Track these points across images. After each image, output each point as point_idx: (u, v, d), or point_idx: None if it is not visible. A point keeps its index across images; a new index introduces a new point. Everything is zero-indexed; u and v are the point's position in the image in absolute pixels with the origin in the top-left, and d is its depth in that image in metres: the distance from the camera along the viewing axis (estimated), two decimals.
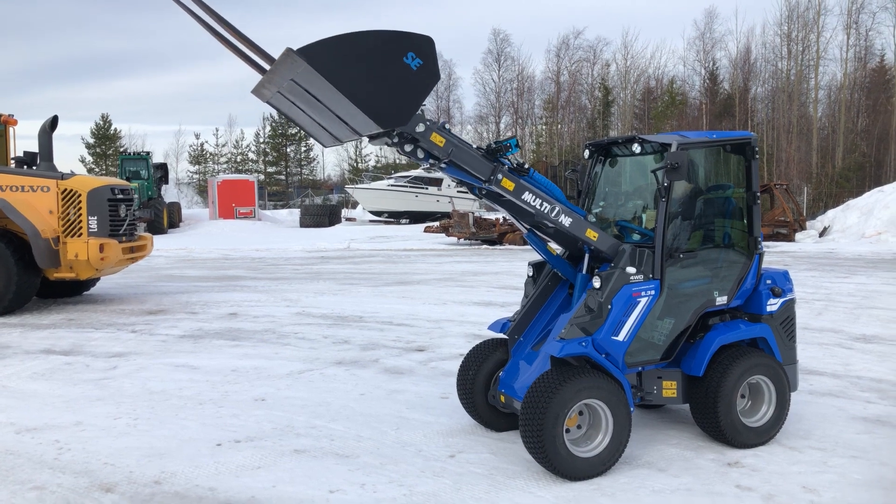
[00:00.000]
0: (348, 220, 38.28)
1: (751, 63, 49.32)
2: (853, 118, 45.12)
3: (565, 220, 4.32)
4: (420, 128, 3.91)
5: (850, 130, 44.11)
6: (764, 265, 4.94)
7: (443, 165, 4.12)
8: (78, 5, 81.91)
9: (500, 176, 4.16)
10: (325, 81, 3.49)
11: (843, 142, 42.69)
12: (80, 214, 10.07)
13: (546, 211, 4.28)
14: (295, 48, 3.46)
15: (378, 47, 3.59)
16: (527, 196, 4.25)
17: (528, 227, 4.64)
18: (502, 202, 4.43)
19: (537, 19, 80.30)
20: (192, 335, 8.45)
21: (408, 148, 4.00)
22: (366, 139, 4.19)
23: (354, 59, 3.53)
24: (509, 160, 4.32)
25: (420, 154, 4.05)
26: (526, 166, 4.38)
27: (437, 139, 3.98)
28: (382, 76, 3.60)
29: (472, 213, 25.76)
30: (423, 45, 3.68)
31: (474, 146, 4.19)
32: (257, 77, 4.01)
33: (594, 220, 4.91)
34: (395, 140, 3.95)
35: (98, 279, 11.84)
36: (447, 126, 4.06)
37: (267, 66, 3.89)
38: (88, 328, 8.96)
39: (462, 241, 23.91)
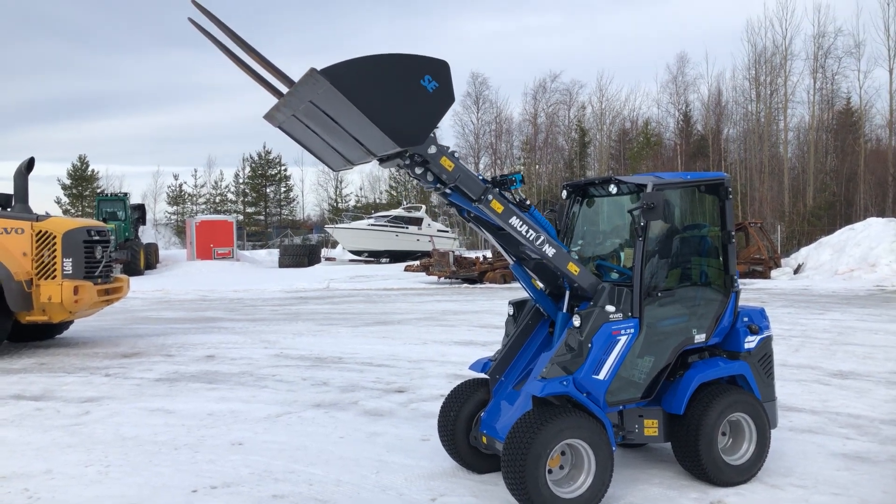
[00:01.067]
0: (328, 259, 38.15)
1: (722, 105, 50.76)
2: (822, 158, 46.37)
3: (549, 251, 4.35)
4: (432, 150, 4.00)
5: (820, 170, 45.29)
6: (741, 302, 5.00)
7: (448, 191, 4.19)
8: (55, 46, 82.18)
9: (490, 197, 4.21)
10: (346, 101, 3.59)
11: (814, 181, 43.78)
12: (55, 256, 9.93)
13: (531, 238, 4.31)
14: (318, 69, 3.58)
15: (396, 69, 3.74)
16: (514, 221, 4.28)
17: (515, 258, 4.68)
18: (490, 227, 4.47)
19: (514, 63, 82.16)
20: (168, 378, 8.29)
21: (418, 171, 4.09)
22: (376, 161, 4.29)
23: (374, 79, 3.66)
24: (513, 195, 4.39)
25: (429, 177, 4.14)
26: (527, 203, 4.44)
27: (447, 163, 4.07)
28: (400, 97, 3.74)
29: (453, 251, 25.85)
30: (439, 69, 3.83)
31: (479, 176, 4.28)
32: (268, 103, 4.10)
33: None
34: (407, 162, 4.04)
35: (72, 322, 11.62)
36: (456, 154, 4.14)
37: (284, 89, 4.01)
38: (60, 372, 8.76)
39: (442, 279, 23.91)
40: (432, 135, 3.98)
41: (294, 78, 3.85)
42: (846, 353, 9.40)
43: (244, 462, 5.17)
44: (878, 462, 5.08)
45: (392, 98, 3.71)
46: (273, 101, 4.17)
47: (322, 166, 66.63)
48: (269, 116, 4.31)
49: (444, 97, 3.86)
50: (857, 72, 45.04)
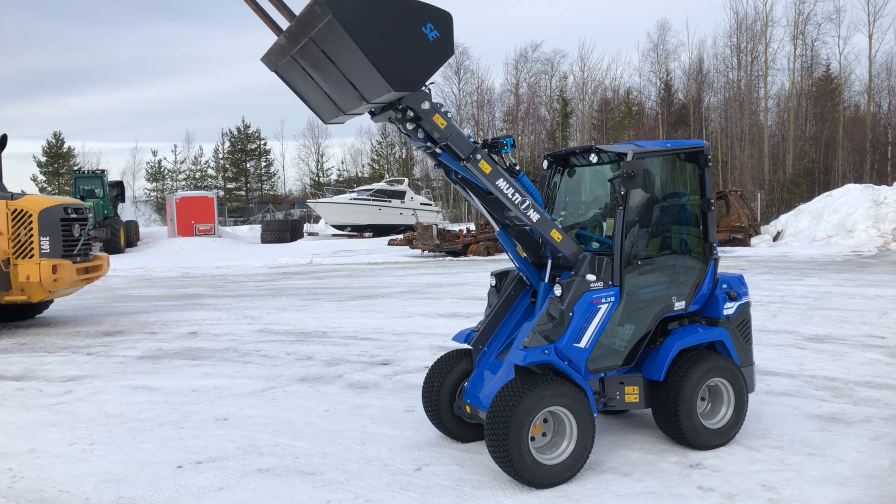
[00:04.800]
0: (311, 234, 37.96)
1: (703, 73, 50.73)
2: (802, 126, 46.67)
3: (533, 215, 4.36)
4: (425, 105, 3.98)
5: (800, 138, 45.61)
6: (720, 270, 5.06)
7: (438, 150, 4.17)
8: (28, 19, 79.98)
9: (478, 156, 4.20)
10: (346, 36, 3.57)
11: (793, 149, 44.10)
12: (32, 235, 9.78)
13: (517, 202, 4.31)
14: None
15: (400, 12, 3.73)
16: (501, 183, 4.28)
17: (501, 224, 4.68)
18: (477, 190, 4.46)
19: (495, 33, 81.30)
20: (151, 356, 8.26)
21: (409, 126, 4.07)
22: (367, 116, 4.26)
23: (376, 19, 3.65)
24: (502, 158, 4.38)
25: (420, 135, 4.12)
26: (517, 168, 4.43)
27: (439, 120, 4.05)
28: (400, 40, 3.72)
29: (436, 224, 25.81)
30: (442, 19, 3.82)
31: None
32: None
33: None
34: (399, 116, 4.02)
35: (51, 301, 11.50)
36: (449, 114, 4.12)
37: (285, 26, 3.99)
38: (41, 352, 8.69)
39: (426, 253, 23.91)
40: (427, 90, 3.96)
41: (297, 13, 3.84)
42: (823, 318, 9.57)
43: (229, 437, 5.19)
44: (853, 423, 5.20)
45: (392, 40, 3.69)
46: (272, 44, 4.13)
47: (303, 140, 65.87)
48: (266, 59, 4.31)
49: (444, 48, 3.85)
50: (836, 38, 45.43)
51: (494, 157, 4.36)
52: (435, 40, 3.80)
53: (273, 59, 4.30)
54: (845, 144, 43.43)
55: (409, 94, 3.91)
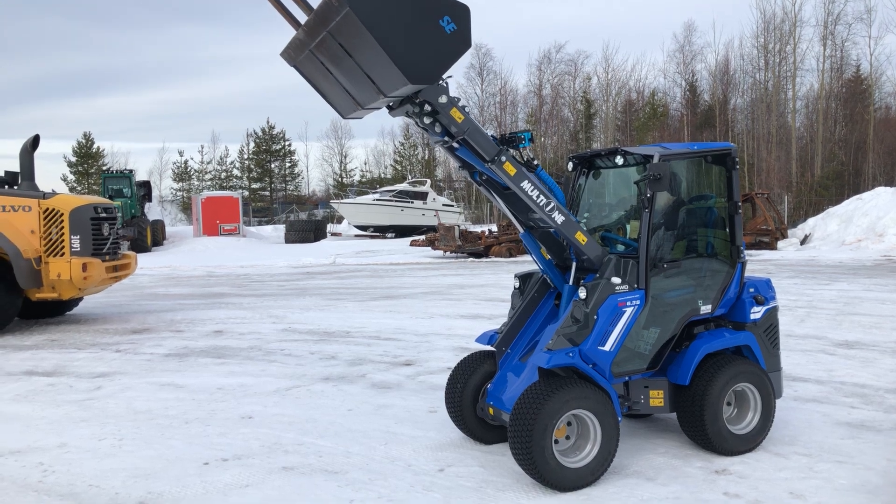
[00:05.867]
0: (334, 234, 38.20)
1: (730, 74, 50.13)
2: (831, 127, 45.89)
3: (558, 217, 4.34)
4: (443, 99, 3.98)
5: (828, 140, 44.85)
6: (747, 273, 5.00)
7: (455, 144, 4.17)
8: (59, 22, 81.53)
9: (503, 158, 4.20)
10: (363, 28, 3.58)
11: (822, 151, 43.37)
12: (63, 234, 9.98)
13: (542, 204, 4.29)
14: None
15: (417, 5, 3.73)
16: (525, 185, 4.27)
17: (525, 226, 4.68)
18: (500, 191, 4.45)
19: (519, 33, 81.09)
20: (178, 354, 8.37)
21: (427, 120, 4.07)
22: (385, 111, 4.27)
23: (393, 11, 3.66)
24: (520, 153, 4.37)
25: (437, 129, 4.12)
26: (535, 162, 4.42)
27: (457, 115, 4.05)
28: (417, 33, 3.72)
29: (458, 226, 25.83)
30: (460, 12, 3.82)
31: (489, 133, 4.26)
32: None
33: None
34: (417, 110, 4.01)
35: (81, 299, 11.72)
36: (466, 108, 4.12)
37: (304, 19, 4.04)
38: (71, 348, 8.86)
39: (448, 254, 23.93)
40: (445, 84, 3.95)
41: (315, 6, 3.88)
42: (852, 323, 9.41)
43: (254, 435, 5.24)
44: (883, 430, 5.11)
45: (409, 33, 3.69)
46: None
47: (327, 140, 66.27)
48: (285, 53, 4.34)
49: (461, 41, 3.84)
50: (867, 38, 44.47)
51: (512, 151, 4.34)
52: (452, 33, 3.79)
53: (292, 54, 4.33)
54: (875, 147, 42.57)
55: (427, 88, 3.90)
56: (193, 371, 7.45)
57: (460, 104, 4.07)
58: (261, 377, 7.06)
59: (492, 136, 4.26)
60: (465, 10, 3.83)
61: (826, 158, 43.24)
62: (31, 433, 5.41)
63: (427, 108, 4.00)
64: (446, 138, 4.16)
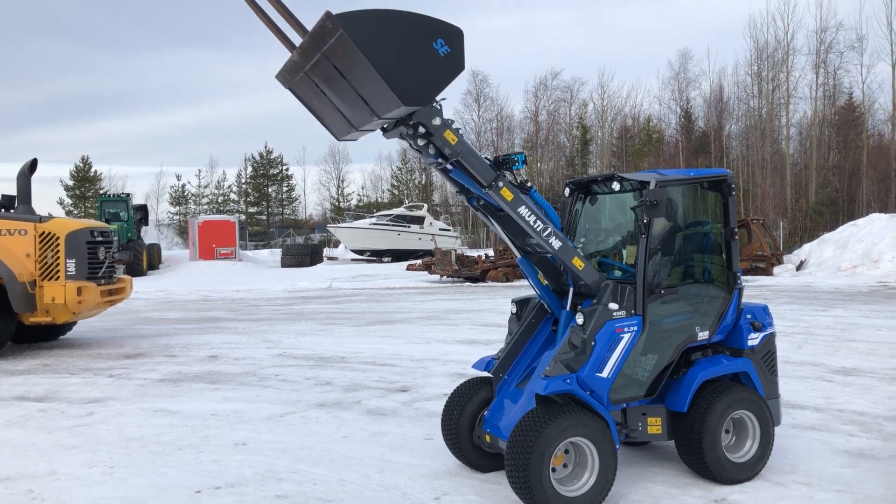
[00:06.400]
0: (330, 259, 38.18)
1: (724, 101, 50.63)
2: (825, 154, 46.25)
3: (555, 243, 4.33)
4: (436, 121, 3.99)
5: (822, 166, 45.17)
6: (744, 299, 4.99)
7: (449, 166, 4.18)
8: (57, 46, 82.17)
9: (500, 184, 4.20)
10: (357, 51, 3.60)
11: (816, 177, 43.66)
12: (58, 257, 9.94)
13: (539, 229, 4.29)
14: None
15: (410, 27, 3.76)
16: (522, 210, 4.26)
17: (522, 251, 4.67)
18: (497, 216, 4.45)
19: (515, 60, 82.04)
20: (171, 379, 8.30)
21: (421, 142, 4.08)
22: (379, 133, 4.29)
23: (387, 33, 3.68)
24: (514, 175, 4.38)
25: (431, 150, 4.13)
26: (528, 184, 4.43)
27: (450, 136, 4.06)
28: (411, 55, 3.75)
29: (455, 250, 25.84)
30: (453, 35, 3.85)
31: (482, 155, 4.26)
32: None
33: None
34: (411, 132, 4.02)
35: (75, 323, 11.63)
36: (460, 131, 4.14)
37: (298, 42, 4.06)
38: (64, 374, 8.77)
39: (445, 278, 23.91)
40: (438, 106, 3.97)
41: (310, 28, 3.89)
42: (850, 350, 9.38)
43: (248, 462, 5.17)
44: (882, 459, 5.07)
45: (402, 55, 3.71)
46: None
47: (324, 165, 66.59)
48: (281, 76, 4.35)
49: (454, 64, 3.86)
50: (859, 66, 44.92)
51: (507, 174, 4.34)
52: (446, 55, 3.82)
53: (287, 77, 4.35)
54: (869, 173, 42.89)
55: (420, 110, 3.92)
56: (187, 396, 7.37)
57: (454, 126, 4.09)
58: (255, 403, 6.99)
59: (486, 158, 4.27)
60: (459, 33, 3.86)
61: (820, 185, 43.52)
62: (22, 460, 5.33)
63: (421, 129, 4.01)
64: (440, 160, 4.17)
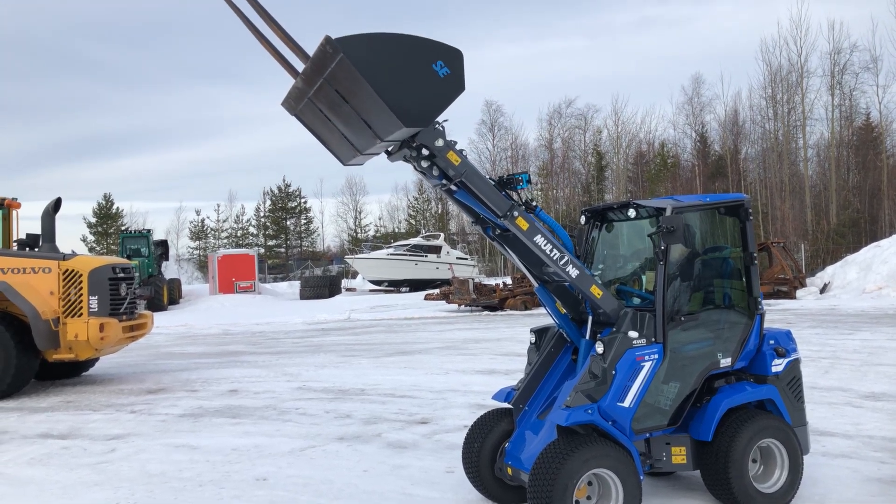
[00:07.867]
0: (348, 290, 38.27)
1: (739, 125, 50.50)
2: (844, 175, 45.82)
3: (572, 271, 4.32)
4: (439, 143, 4.02)
5: (842, 187, 44.72)
6: (767, 323, 4.93)
7: (454, 187, 4.19)
8: (78, 85, 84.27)
9: (516, 213, 4.21)
10: (357, 74, 3.65)
11: (836, 198, 43.21)
12: (81, 294, 10.08)
13: (556, 258, 4.28)
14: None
15: (410, 50, 3.81)
16: (538, 239, 4.26)
17: (540, 280, 4.65)
18: (513, 245, 4.46)
19: (528, 89, 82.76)
20: (192, 414, 8.32)
21: (424, 164, 4.10)
22: (384, 154, 4.32)
23: (387, 56, 3.73)
24: (518, 194, 4.39)
25: (435, 172, 4.15)
26: (533, 203, 4.43)
27: (454, 158, 4.08)
28: (411, 77, 3.79)
29: (472, 279, 25.79)
30: (452, 56, 3.89)
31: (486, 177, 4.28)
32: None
33: None
34: (414, 154, 4.05)
35: (98, 359, 11.73)
36: (464, 153, 4.17)
37: (301, 68, 4.12)
38: (87, 410, 8.83)
39: (463, 307, 23.84)
40: (441, 128, 4.01)
41: (311, 53, 3.95)
42: (878, 374, 9.18)
43: (269, 497, 5.15)
44: None
45: (402, 77, 3.75)
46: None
47: (341, 197, 67.16)
48: (286, 103, 4.43)
49: (455, 85, 3.90)
50: (875, 87, 44.70)
51: (511, 192, 4.35)
52: (446, 77, 3.86)
53: (292, 104, 4.42)
54: (890, 193, 42.37)
55: (423, 132, 3.95)
56: (208, 431, 7.38)
57: (458, 148, 4.12)
58: (275, 437, 6.98)
59: (490, 178, 4.29)
60: (458, 55, 3.91)
61: (841, 206, 43.03)
62: (45, 498, 5.35)
63: (424, 151, 4.04)
64: (444, 181, 4.20)
